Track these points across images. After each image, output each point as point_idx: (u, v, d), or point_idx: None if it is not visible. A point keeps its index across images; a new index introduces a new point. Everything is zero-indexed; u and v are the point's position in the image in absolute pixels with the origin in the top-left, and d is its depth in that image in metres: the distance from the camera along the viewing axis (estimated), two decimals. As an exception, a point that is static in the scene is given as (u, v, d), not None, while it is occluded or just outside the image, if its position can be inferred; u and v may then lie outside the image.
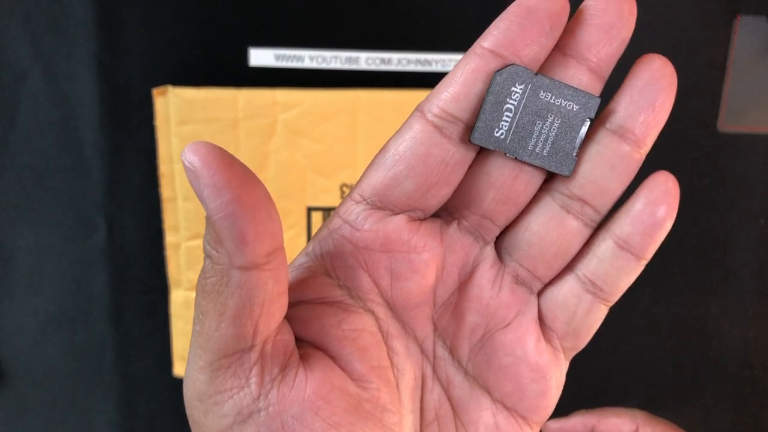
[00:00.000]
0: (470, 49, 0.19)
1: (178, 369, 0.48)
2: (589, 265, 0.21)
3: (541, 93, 0.19)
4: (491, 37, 0.19)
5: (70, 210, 0.47)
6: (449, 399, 0.21)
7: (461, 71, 0.19)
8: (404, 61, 0.46)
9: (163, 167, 0.45)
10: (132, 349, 0.49)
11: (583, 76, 0.20)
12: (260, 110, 0.44)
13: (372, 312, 0.20)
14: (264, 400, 0.18)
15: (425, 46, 0.45)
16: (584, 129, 0.20)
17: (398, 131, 0.20)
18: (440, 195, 0.20)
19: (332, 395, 0.18)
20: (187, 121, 0.44)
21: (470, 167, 0.20)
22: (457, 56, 0.45)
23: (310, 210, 0.46)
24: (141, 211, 0.47)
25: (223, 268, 0.17)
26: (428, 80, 0.46)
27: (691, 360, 0.50)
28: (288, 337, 0.19)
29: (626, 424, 0.39)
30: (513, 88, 0.19)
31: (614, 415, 0.40)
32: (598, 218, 0.20)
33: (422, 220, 0.20)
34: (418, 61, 0.45)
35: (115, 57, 0.45)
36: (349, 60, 0.45)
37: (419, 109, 0.20)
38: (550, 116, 0.20)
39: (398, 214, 0.20)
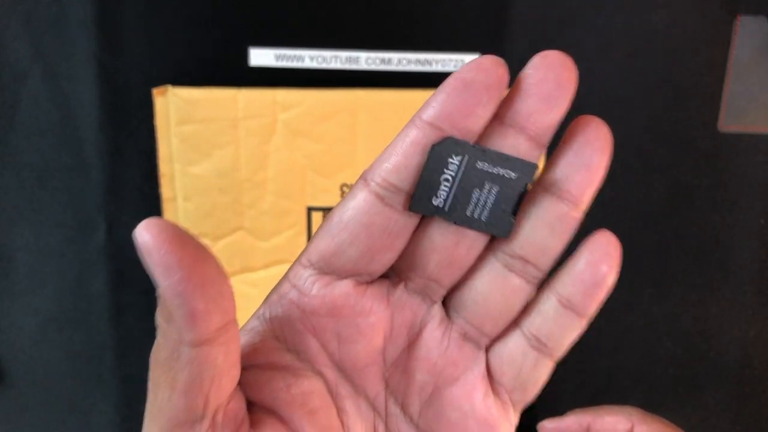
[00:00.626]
0: (410, 121, 0.20)
1: None
2: (533, 323, 0.21)
3: (479, 163, 0.20)
4: (430, 110, 0.19)
5: (70, 210, 0.47)
6: None
7: (401, 143, 0.20)
8: (404, 61, 0.46)
9: (163, 167, 0.45)
10: (132, 350, 0.49)
11: (522, 144, 0.20)
12: (260, 110, 0.44)
13: (321, 374, 0.21)
14: None
15: (425, 46, 0.45)
16: (522, 194, 0.20)
17: (344, 199, 0.20)
18: (384, 260, 0.20)
19: None
20: (187, 120, 0.44)
21: (414, 232, 0.20)
22: (457, 56, 0.45)
23: (310, 210, 0.46)
24: (141, 211, 0.47)
25: (174, 343, 0.17)
26: (428, 80, 0.46)
27: (691, 360, 0.50)
28: (239, 404, 0.19)
29: (621, 423, 0.39)
30: (450, 159, 0.20)
31: (609, 414, 0.39)
32: (540, 275, 0.21)
33: (369, 283, 0.21)
34: (418, 61, 0.46)
35: (115, 57, 0.45)
36: (349, 60, 0.45)
37: (363, 177, 0.20)
38: (488, 184, 0.20)
39: (344, 278, 0.21)
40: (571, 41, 0.46)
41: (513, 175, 0.20)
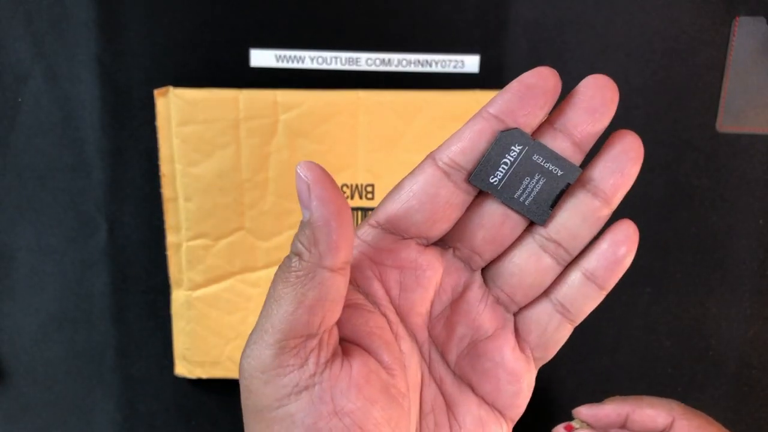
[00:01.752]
0: (477, 113, 0.24)
1: (179, 368, 0.49)
2: (560, 291, 0.25)
3: (534, 155, 0.24)
4: (496, 105, 0.24)
5: (71, 210, 0.47)
6: (442, 394, 0.26)
7: (469, 131, 0.24)
8: (404, 62, 0.46)
9: (164, 167, 0.45)
10: (133, 349, 0.49)
11: (568, 148, 0.24)
12: (261, 111, 0.44)
13: (385, 315, 0.25)
14: (319, 377, 0.22)
15: (425, 47, 0.45)
16: (563, 190, 0.24)
17: (412, 172, 0.24)
18: (442, 228, 0.24)
19: (370, 377, 0.23)
20: (188, 121, 0.44)
21: (467, 209, 0.25)
22: (457, 57, 0.46)
23: None
24: (142, 211, 0.47)
25: (311, 265, 0.22)
26: (428, 81, 0.46)
27: (690, 359, 0.50)
28: (336, 332, 0.23)
29: (662, 416, 0.38)
30: (512, 147, 0.23)
31: (650, 406, 0.38)
32: (569, 258, 0.25)
33: (425, 245, 0.25)
34: (417, 62, 0.46)
35: (116, 58, 0.45)
36: (349, 61, 0.45)
37: (431, 156, 0.24)
38: (537, 175, 0.24)
39: (408, 239, 0.25)
40: (570, 42, 0.46)
41: (559, 172, 0.24)
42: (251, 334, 0.23)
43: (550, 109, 0.24)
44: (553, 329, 0.26)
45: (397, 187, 0.25)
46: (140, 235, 0.47)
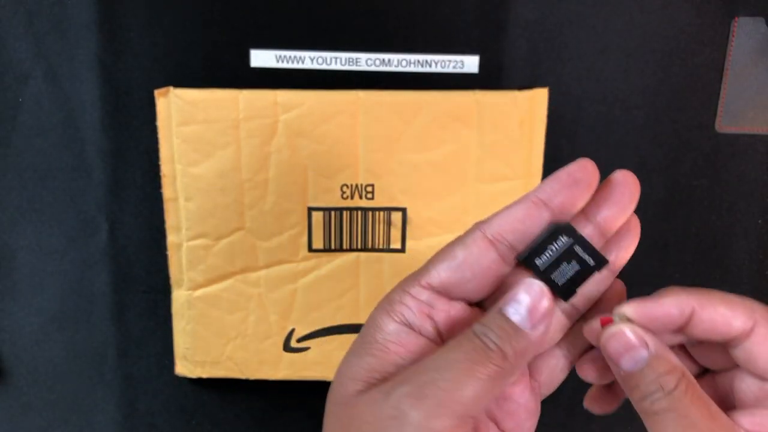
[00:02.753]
0: (527, 196, 0.27)
1: (180, 368, 0.49)
2: (569, 341, 0.30)
3: (576, 246, 0.28)
4: (544, 192, 0.27)
5: (72, 210, 0.47)
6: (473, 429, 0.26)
7: (520, 212, 0.27)
8: (404, 62, 0.46)
9: (165, 167, 0.45)
10: (133, 349, 0.49)
11: (595, 235, 0.29)
12: (261, 111, 0.44)
13: None
14: None
15: (425, 48, 0.46)
16: (590, 275, 0.28)
17: (463, 242, 0.28)
18: (487, 292, 0.28)
19: None
20: (189, 121, 0.44)
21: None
22: (457, 57, 0.46)
23: (311, 210, 0.46)
24: (143, 211, 0.47)
25: (511, 368, 0.26)
26: (427, 81, 0.46)
27: (689, 359, 0.50)
28: None
29: (739, 319, 0.27)
30: (560, 237, 0.28)
31: (723, 303, 0.27)
32: (578, 316, 0.30)
33: (470, 305, 0.29)
34: (417, 62, 0.46)
35: (117, 58, 0.45)
36: (349, 61, 0.46)
37: (480, 228, 0.27)
38: (573, 261, 0.28)
39: (456, 299, 0.28)
40: (570, 42, 0.46)
41: (591, 262, 0.28)
42: (416, 378, 0.24)
43: (588, 199, 0.28)
44: (559, 371, 0.30)
45: (451, 255, 0.28)
46: (141, 235, 0.47)
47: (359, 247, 0.47)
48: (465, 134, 0.45)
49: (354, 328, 0.49)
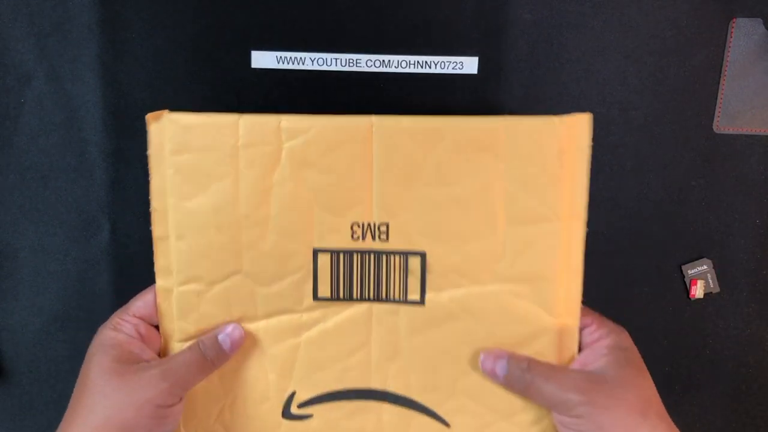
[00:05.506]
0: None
1: None
2: None
3: None
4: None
5: (74, 210, 0.47)
6: None
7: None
8: (404, 63, 0.46)
9: (156, 202, 0.41)
10: (135, 348, 0.49)
11: None
12: (263, 137, 0.40)
13: None
14: None
15: (425, 49, 0.46)
16: None
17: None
18: None
19: None
20: (183, 149, 0.40)
21: None
22: (456, 59, 0.46)
23: (316, 252, 0.41)
24: (144, 211, 0.47)
25: None
26: (427, 82, 0.46)
27: (687, 359, 0.50)
28: None
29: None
30: None
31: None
32: None
33: None
34: (417, 63, 0.46)
35: (119, 59, 0.45)
36: (349, 62, 0.46)
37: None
38: None
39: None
40: (568, 43, 0.46)
41: None
42: (163, 365, 0.39)
43: None
44: None
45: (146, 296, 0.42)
46: (142, 235, 0.48)
47: (371, 296, 0.41)
48: (493, 166, 0.39)
49: (365, 394, 0.42)
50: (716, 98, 0.47)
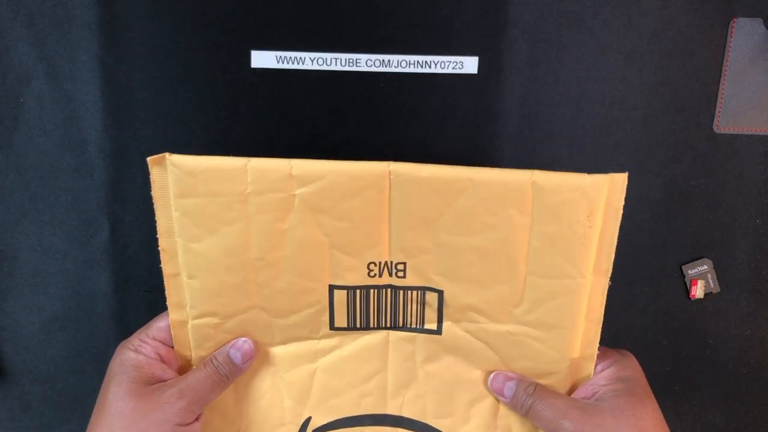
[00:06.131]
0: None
1: None
2: None
3: None
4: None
5: (74, 210, 0.47)
6: None
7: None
8: (404, 63, 0.46)
9: (163, 241, 0.40)
10: (134, 348, 0.49)
11: None
12: (273, 184, 0.38)
13: None
14: None
15: (424, 49, 0.46)
16: None
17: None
18: None
19: None
20: (188, 194, 0.38)
21: None
22: (456, 58, 0.46)
23: (332, 288, 0.41)
24: (144, 211, 0.47)
25: None
26: (427, 81, 0.46)
27: (687, 359, 0.50)
28: None
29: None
30: None
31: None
32: None
33: None
34: (417, 63, 0.46)
35: (118, 58, 0.45)
36: (349, 62, 0.46)
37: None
38: None
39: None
40: (568, 43, 0.46)
41: None
42: (179, 384, 0.39)
43: None
44: None
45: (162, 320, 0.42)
46: (142, 235, 0.48)
47: (389, 325, 0.41)
48: (518, 221, 0.38)
49: (380, 419, 0.42)
50: (716, 98, 0.47)
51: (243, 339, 0.41)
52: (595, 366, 0.41)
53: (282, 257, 0.39)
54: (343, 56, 0.46)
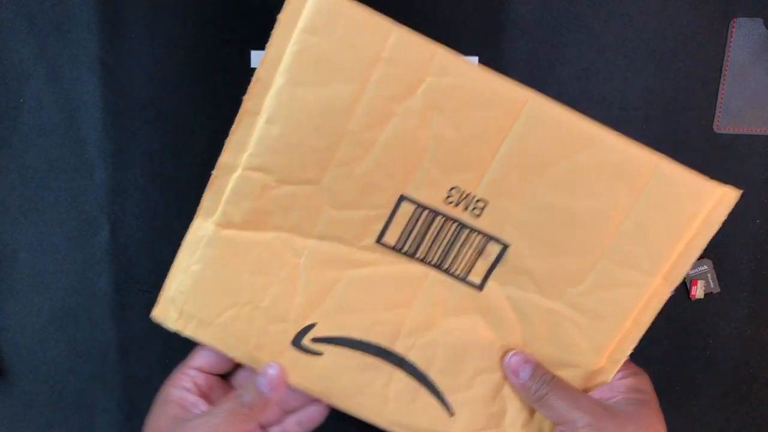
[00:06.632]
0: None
1: (159, 312, 0.42)
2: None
3: None
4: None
5: (74, 210, 0.47)
6: None
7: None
8: (404, 63, 0.46)
9: (263, 71, 0.36)
10: (135, 348, 0.49)
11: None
12: (409, 61, 0.35)
13: None
14: None
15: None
16: None
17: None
18: (230, 369, 0.44)
19: None
20: (320, 32, 0.35)
21: None
22: (457, 58, 0.46)
23: (403, 198, 0.38)
24: (144, 211, 0.47)
25: None
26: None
27: (687, 359, 0.50)
28: None
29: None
30: None
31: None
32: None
33: None
34: (417, 63, 0.46)
35: (118, 59, 0.45)
36: (349, 62, 0.46)
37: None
38: None
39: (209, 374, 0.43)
40: (568, 43, 0.46)
41: None
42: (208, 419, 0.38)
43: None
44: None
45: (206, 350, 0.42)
46: (142, 235, 0.48)
47: (434, 262, 0.39)
48: (623, 199, 0.37)
49: (384, 354, 0.40)
50: (716, 98, 0.47)
51: (270, 364, 0.39)
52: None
53: (375, 140, 0.36)
54: (343, 56, 0.46)
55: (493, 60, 0.46)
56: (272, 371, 0.39)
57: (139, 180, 0.47)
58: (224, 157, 0.37)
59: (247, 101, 0.36)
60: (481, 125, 0.36)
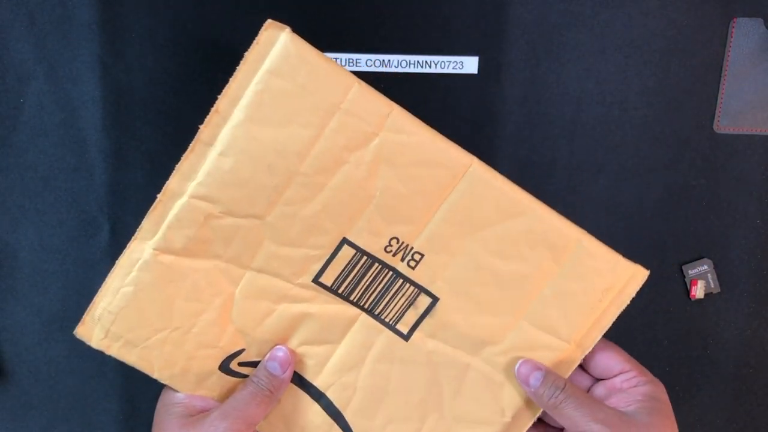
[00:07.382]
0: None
1: (83, 330, 0.40)
2: None
3: None
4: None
5: (74, 210, 0.48)
6: None
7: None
8: (404, 63, 0.46)
9: (223, 105, 0.37)
10: (134, 348, 0.49)
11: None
12: (366, 114, 0.37)
13: None
14: None
15: (425, 49, 0.46)
16: None
17: None
18: None
19: None
20: (284, 76, 0.36)
21: None
22: (456, 58, 0.46)
23: (345, 241, 0.39)
24: (144, 211, 0.47)
25: None
26: (427, 81, 0.46)
27: (688, 359, 0.50)
28: None
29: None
30: None
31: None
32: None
33: None
34: (417, 63, 0.46)
35: (118, 59, 0.45)
36: (349, 62, 0.46)
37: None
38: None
39: None
40: (569, 43, 0.46)
41: None
42: (222, 408, 0.39)
43: None
44: None
45: None
46: (142, 235, 0.48)
47: (367, 306, 0.40)
48: (547, 266, 0.39)
49: (305, 386, 0.42)
50: (716, 98, 0.47)
51: (278, 347, 0.40)
52: (631, 378, 0.41)
53: (324, 184, 0.38)
54: (344, 56, 0.46)
55: (493, 60, 0.46)
56: (280, 353, 0.40)
57: (139, 180, 0.47)
58: (172, 183, 0.38)
59: (203, 131, 0.37)
60: (427, 183, 0.38)
